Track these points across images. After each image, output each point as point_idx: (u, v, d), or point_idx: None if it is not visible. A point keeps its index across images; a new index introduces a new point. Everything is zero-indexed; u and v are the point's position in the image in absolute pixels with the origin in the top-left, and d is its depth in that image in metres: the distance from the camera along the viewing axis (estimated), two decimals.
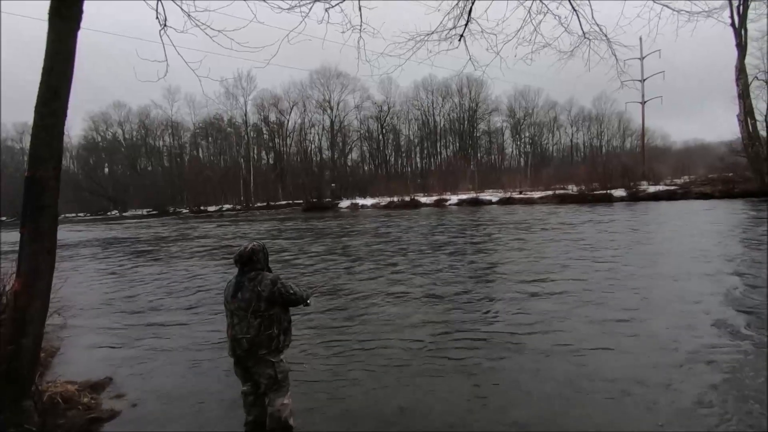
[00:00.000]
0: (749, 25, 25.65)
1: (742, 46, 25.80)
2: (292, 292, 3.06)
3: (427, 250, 12.27)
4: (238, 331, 3.00)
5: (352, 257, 11.85)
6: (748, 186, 25.26)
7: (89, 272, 11.98)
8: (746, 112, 26.09)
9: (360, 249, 13.45)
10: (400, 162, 64.51)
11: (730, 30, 25.62)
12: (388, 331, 5.50)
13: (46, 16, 3.46)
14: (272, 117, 60.48)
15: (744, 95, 26.00)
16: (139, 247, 17.92)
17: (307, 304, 3.24)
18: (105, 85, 71.41)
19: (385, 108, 60.17)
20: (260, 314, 2.96)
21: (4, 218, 54.14)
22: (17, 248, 3.46)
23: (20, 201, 3.47)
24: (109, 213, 63.36)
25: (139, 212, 60.19)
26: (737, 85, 26.29)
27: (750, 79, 26.26)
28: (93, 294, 8.99)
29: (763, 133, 26.55)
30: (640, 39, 27.50)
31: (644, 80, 37.78)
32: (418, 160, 65.26)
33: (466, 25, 5.83)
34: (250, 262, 3.07)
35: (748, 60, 26.11)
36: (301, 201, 47.92)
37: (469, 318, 5.90)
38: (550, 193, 34.55)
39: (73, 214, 62.95)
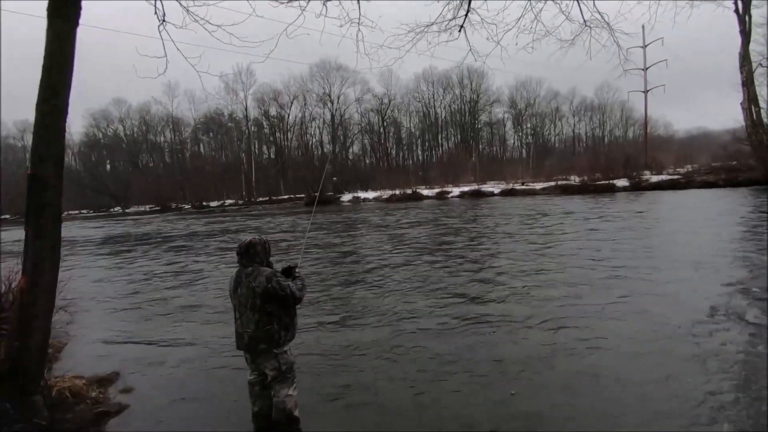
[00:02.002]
0: (753, 11, 25.40)
1: (746, 33, 25.55)
2: (287, 291, 2.99)
3: (506, 240, 12.09)
4: (239, 326, 3.05)
5: (425, 249, 11.30)
6: (752, 174, 24.97)
7: (136, 268, 11.82)
8: (750, 99, 25.91)
9: (429, 239, 13.09)
10: (401, 155, 64.47)
11: (734, 16, 25.39)
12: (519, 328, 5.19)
13: (44, 14, 3.45)
14: (273, 111, 60.55)
15: (748, 82, 25.81)
16: (173, 243, 17.44)
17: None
18: (105, 81, 71.29)
19: (386, 101, 60.10)
20: (258, 310, 2.97)
21: (7, 216, 54.44)
22: (23, 246, 3.48)
23: (24, 199, 3.49)
24: (111, 210, 63.58)
25: (142, 208, 60.37)
26: (741, 73, 26.09)
27: (754, 66, 26.03)
28: (119, 290, 9.04)
29: (766, 120, 26.34)
30: (643, 27, 27.15)
31: (647, 69, 37.43)
32: (419, 152, 65.29)
33: (465, 15, 5.80)
34: (247, 254, 3.07)
35: (752, 47, 25.94)
36: (303, 195, 47.98)
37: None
38: (552, 183, 34.46)
39: (76, 211, 63.15)
